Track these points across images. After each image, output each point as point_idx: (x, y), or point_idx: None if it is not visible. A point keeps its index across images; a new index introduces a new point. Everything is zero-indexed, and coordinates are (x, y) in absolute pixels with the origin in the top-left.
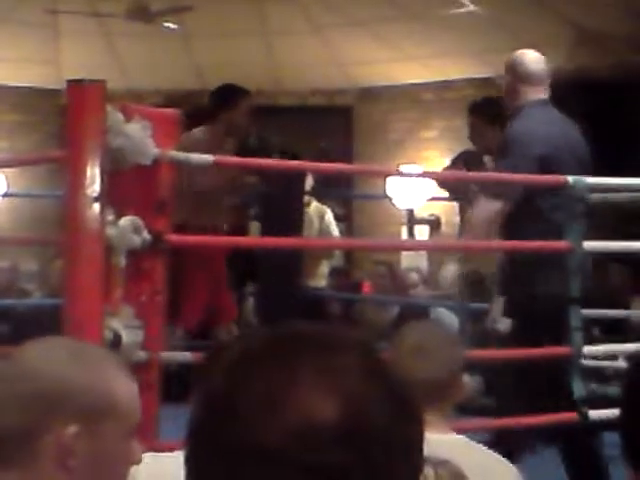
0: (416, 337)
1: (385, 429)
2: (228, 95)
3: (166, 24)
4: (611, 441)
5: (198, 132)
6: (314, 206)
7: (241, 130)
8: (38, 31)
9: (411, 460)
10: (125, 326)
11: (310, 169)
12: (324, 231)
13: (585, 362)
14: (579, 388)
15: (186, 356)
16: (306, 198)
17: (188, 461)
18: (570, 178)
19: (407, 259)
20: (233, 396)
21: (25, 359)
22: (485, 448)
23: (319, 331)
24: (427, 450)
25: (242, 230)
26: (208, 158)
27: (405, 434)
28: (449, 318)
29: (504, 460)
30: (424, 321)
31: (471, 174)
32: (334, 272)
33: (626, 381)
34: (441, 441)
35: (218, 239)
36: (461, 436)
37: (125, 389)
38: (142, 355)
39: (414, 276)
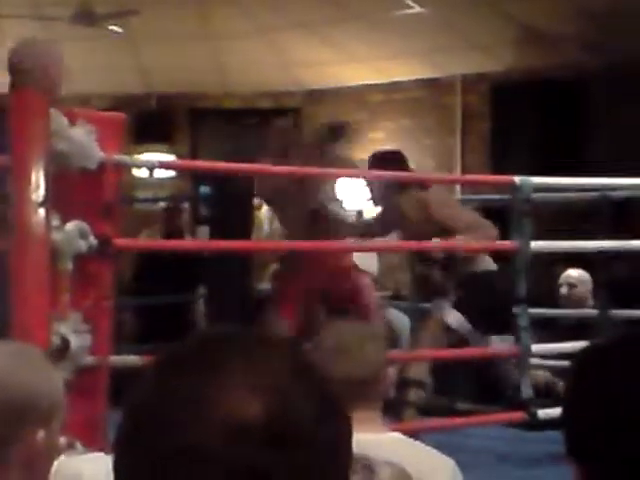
0: (336, 336)
1: (311, 428)
2: None
3: (111, 27)
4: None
5: None
6: (264, 210)
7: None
8: None
9: (339, 459)
10: (73, 331)
11: (258, 172)
12: (274, 234)
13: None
14: (527, 387)
15: (134, 360)
16: (257, 201)
17: (116, 466)
18: (517, 178)
19: (357, 261)
20: (159, 398)
21: None
22: (422, 444)
23: (246, 333)
24: (367, 451)
25: (179, 233)
26: (154, 161)
27: (332, 433)
28: (401, 319)
29: (442, 455)
30: (344, 320)
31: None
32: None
33: (570, 377)
34: (379, 440)
35: (167, 243)
36: (396, 433)
37: (60, 385)
38: (90, 359)
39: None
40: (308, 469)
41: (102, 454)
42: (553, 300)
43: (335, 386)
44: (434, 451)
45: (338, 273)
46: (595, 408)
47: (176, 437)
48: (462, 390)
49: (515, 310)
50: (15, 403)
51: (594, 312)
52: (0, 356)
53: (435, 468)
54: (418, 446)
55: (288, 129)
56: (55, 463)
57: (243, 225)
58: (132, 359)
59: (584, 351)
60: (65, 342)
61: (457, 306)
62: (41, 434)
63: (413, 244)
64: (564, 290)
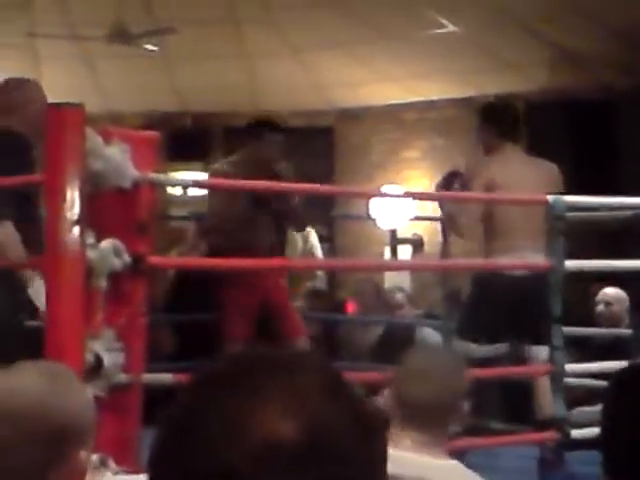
0: (422, 361)
1: (347, 449)
2: (255, 127)
3: (146, 46)
4: (590, 459)
5: (226, 164)
6: None
7: (267, 163)
8: (17, 54)
9: (374, 478)
10: (106, 349)
11: (294, 190)
12: (308, 252)
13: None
14: (561, 407)
15: (168, 378)
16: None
17: None
18: (549, 197)
19: (390, 279)
20: (195, 418)
21: (24, 392)
22: (476, 475)
23: (281, 353)
24: (425, 474)
25: None
26: (188, 180)
27: (367, 453)
28: (434, 337)
29: None
30: (430, 346)
31: (453, 193)
32: (312, 293)
33: (608, 398)
34: (437, 466)
35: (199, 261)
36: (455, 461)
37: (92, 404)
38: (123, 378)
39: (399, 297)
40: None
41: (140, 476)
42: (587, 319)
43: (414, 407)
44: None
45: (275, 287)
46: (634, 428)
47: (210, 458)
48: (495, 410)
49: (550, 328)
50: (57, 425)
51: (628, 332)
52: (36, 377)
53: None
54: (475, 476)
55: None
56: None
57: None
58: (165, 377)
59: (622, 372)
60: (98, 360)
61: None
62: (83, 455)
63: (446, 262)
64: (601, 308)
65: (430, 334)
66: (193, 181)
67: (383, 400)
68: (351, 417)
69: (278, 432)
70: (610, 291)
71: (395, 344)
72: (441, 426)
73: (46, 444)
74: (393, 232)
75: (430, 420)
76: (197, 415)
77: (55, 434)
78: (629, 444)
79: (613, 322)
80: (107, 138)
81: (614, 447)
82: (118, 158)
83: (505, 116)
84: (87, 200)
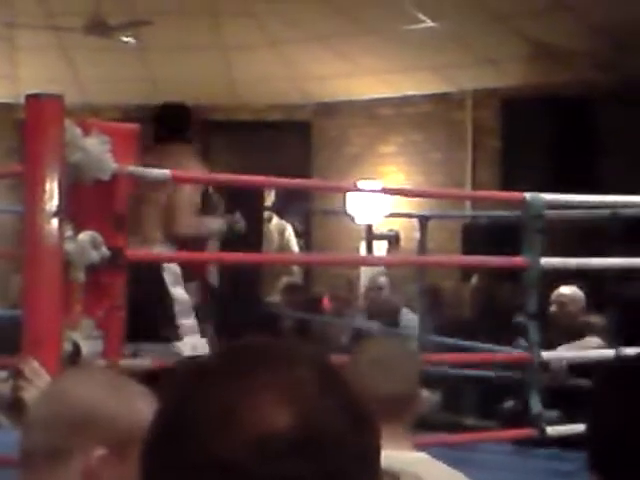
0: (376, 351)
1: (340, 440)
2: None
3: (124, 38)
4: (569, 456)
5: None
6: (275, 222)
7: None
8: None
9: (367, 471)
10: (85, 337)
11: (269, 184)
12: (284, 247)
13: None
14: (536, 403)
15: (147, 363)
16: (267, 214)
17: (142, 472)
18: (527, 195)
19: (366, 274)
20: (187, 410)
21: (65, 385)
22: (447, 466)
23: (274, 344)
24: (393, 467)
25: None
26: (166, 173)
27: (361, 445)
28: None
29: (462, 476)
30: (383, 336)
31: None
32: (289, 288)
33: (594, 395)
34: (405, 458)
35: (179, 255)
36: (423, 453)
37: (146, 416)
38: (101, 364)
39: (382, 280)
40: (337, 478)
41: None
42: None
43: (370, 400)
44: (459, 474)
45: None
46: (621, 423)
47: (204, 448)
48: (469, 405)
49: (526, 325)
50: (77, 416)
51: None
52: (91, 378)
53: None
54: (444, 467)
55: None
56: None
57: (253, 237)
58: (144, 362)
59: (607, 368)
60: (76, 347)
61: None
62: (101, 451)
63: (422, 258)
64: (554, 309)
65: (411, 318)
66: (173, 175)
67: None
68: (345, 409)
69: (272, 423)
70: (565, 291)
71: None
72: (401, 417)
73: (62, 428)
74: (369, 227)
75: (389, 412)
76: (191, 405)
77: (71, 424)
78: (616, 439)
79: (567, 322)
80: (86, 130)
81: (599, 442)
82: (97, 150)
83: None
84: (65, 192)
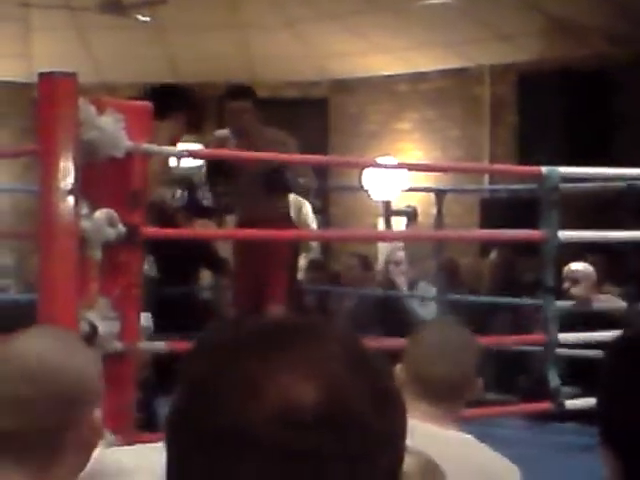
0: (436, 335)
1: (365, 417)
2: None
3: (139, 17)
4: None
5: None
6: (292, 198)
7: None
8: (9, 24)
9: (391, 450)
10: (101, 317)
11: (286, 161)
12: (302, 223)
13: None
14: (554, 377)
15: (163, 346)
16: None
17: (169, 447)
18: (544, 168)
19: (384, 250)
20: (214, 381)
21: (38, 355)
22: (487, 447)
23: (304, 321)
24: (433, 443)
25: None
26: (182, 150)
27: (385, 424)
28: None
29: (506, 460)
30: (446, 321)
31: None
32: (312, 265)
33: (605, 368)
34: (447, 436)
35: (195, 232)
36: (468, 435)
37: (99, 364)
38: (118, 345)
39: (400, 254)
40: (359, 457)
41: (141, 446)
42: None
43: (426, 383)
44: (500, 455)
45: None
46: (633, 397)
47: (227, 418)
48: (488, 380)
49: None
50: (74, 385)
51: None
52: (51, 340)
53: (499, 472)
54: (484, 449)
55: (243, 110)
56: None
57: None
58: (160, 345)
59: (619, 340)
60: (93, 328)
61: None
62: (96, 413)
63: (440, 233)
64: (567, 285)
65: (426, 288)
66: (187, 151)
67: (394, 374)
68: (372, 387)
69: (297, 395)
70: (577, 267)
71: (388, 312)
72: (453, 401)
73: (66, 404)
74: (387, 203)
75: (443, 395)
76: (216, 377)
77: (73, 394)
78: (627, 412)
79: (581, 299)
80: (100, 108)
81: (611, 415)
82: (111, 128)
83: None
84: (80, 170)
